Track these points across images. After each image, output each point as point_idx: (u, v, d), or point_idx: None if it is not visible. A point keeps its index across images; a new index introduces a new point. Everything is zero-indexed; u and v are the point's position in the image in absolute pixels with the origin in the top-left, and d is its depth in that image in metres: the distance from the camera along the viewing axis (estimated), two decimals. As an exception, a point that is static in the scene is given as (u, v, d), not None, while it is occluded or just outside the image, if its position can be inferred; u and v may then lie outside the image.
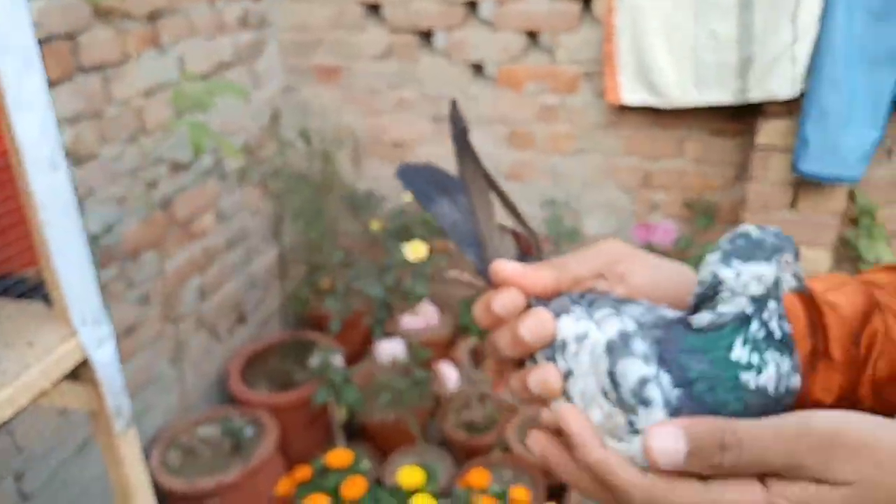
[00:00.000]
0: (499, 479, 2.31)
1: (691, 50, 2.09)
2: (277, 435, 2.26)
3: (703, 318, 0.40)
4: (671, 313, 0.43)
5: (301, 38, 2.61)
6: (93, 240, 1.87)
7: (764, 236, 0.39)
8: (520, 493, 2.00)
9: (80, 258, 0.88)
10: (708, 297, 0.40)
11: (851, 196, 2.20)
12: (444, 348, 2.66)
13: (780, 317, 0.39)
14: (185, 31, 2.12)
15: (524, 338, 0.43)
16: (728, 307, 0.39)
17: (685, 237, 2.38)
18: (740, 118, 2.19)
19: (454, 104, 0.51)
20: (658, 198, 2.43)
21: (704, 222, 2.33)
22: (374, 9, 2.49)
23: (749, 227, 0.40)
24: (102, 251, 1.91)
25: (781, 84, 1.97)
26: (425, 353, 2.36)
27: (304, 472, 2.18)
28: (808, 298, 0.52)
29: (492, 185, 0.51)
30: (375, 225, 2.50)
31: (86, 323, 0.90)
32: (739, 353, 0.38)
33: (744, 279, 0.38)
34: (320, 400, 2.24)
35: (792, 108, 2.02)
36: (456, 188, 0.52)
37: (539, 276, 0.46)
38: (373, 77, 2.59)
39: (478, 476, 2.08)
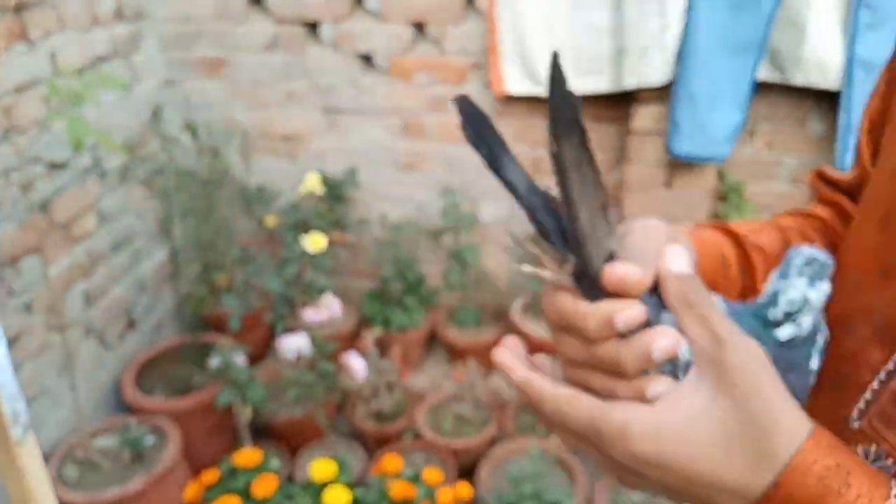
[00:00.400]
0: (411, 464, 2.34)
1: (570, 40, 2.20)
2: (180, 441, 2.18)
3: (786, 332, 0.50)
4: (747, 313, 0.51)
5: (182, 29, 2.51)
6: (-37, 247, 1.73)
7: (826, 259, 0.50)
8: (432, 474, 2.04)
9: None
10: (792, 315, 0.50)
11: (721, 175, 2.39)
12: (350, 340, 2.65)
13: (825, 323, 0.52)
14: (56, 24, 1.99)
15: (656, 358, 0.41)
16: (806, 319, 0.50)
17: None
18: (617, 105, 2.33)
19: (464, 99, 0.44)
20: (547, 182, 2.53)
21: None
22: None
23: (815, 252, 0.50)
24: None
25: (653, 71, 2.12)
26: (330, 345, 2.35)
27: (211, 475, 2.12)
28: (737, 242, 0.61)
29: (594, 168, 0.42)
30: (271, 221, 2.45)
31: (-28, 327, 0.84)
32: (815, 362, 0.51)
33: (821, 297, 0.49)
34: (223, 401, 2.18)
35: (664, 93, 2.17)
36: (506, 153, 0.44)
37: (646, 279, 0.42)
38: (259, 69, 2.53)
39: (390, 462, 2.10)
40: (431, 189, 2.59)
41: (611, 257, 0.42)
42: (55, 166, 2.01)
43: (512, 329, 2.56)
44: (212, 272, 2.30)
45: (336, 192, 2.53)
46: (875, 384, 0.50)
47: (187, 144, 2.40)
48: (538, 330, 2.52)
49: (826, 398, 0.55)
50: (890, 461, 0.48)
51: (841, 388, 0.53)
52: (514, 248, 2.66)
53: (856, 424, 0.51)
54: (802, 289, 0.48)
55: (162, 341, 2.59)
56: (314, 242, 1.91)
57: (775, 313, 0.49)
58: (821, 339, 0.50)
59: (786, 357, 0.48)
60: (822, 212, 0.69)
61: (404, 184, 2.62)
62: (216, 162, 2.41)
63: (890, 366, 0.49)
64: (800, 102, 2.23)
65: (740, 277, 0.61)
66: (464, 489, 2.00)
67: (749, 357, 0.39)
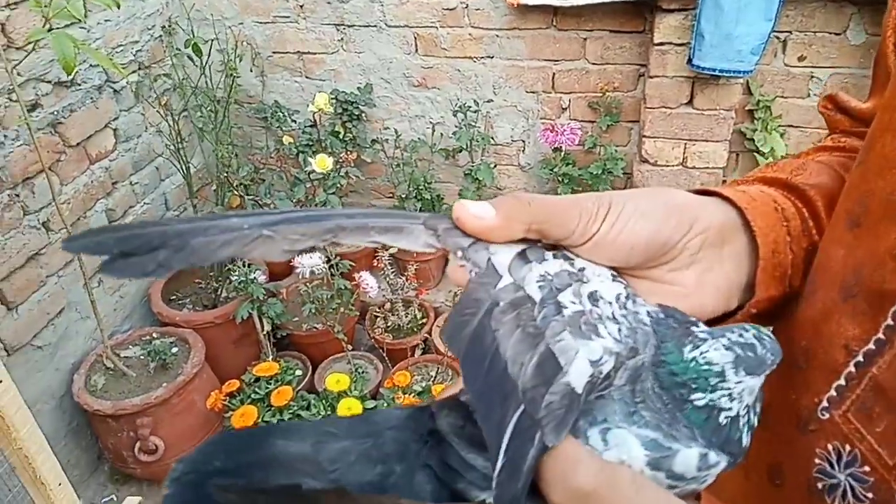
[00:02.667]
0: (425, 377, 2.30)
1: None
2: (204, 352, 2.17)
3: (699, 398, 0.34)
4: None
5: (191, -59, 2.32)
6: (-29, 166, 1.66)
7: (765, 352, 0.34)
8: (440, 388, 1.99)
9: None
10: (706, 385, 0.34)
11: (747, 89, 2.16)
12: (367, 259, 2.58)
13: (749, 426, 0.36)
14: (53, -67, 1.84)
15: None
16: (722, 403, 0.34)
17: (591, 137, 2.32)
18: (638, 14, 2.09)
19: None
20: (565, 100, 2.34)
21: (608, 122, 2.27)
22: None
23: (756, 338, 0.34)
24: (-14, 178, 1.71)
25: (678, -23, 1.87)
26: (345, 264, 2.28)
27: (232, 384, 2.12)
28: (789, 189, 0.46)
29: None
30: (287, 139, 2.33)
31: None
32: (745, 440, 0.35)
33: (742, 389, 0.33)
34: (241, 315, 2.15)
35: (687, 2, 1.92)
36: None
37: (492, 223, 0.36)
38: (270, -19, 2.35)
39: (401, 377, 2.06)
40: (445, 107, 2.42)
41: None
42: (62, 85, 1.91)
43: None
44: (226, 191, 2.21)
45: (350, 110, 2.38)
46: (851, 367, 0.37)
47: (200, 62, 2.26)
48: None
49: (784, 379, 0.42)
50: (866, 468, 0.36)
51: (802, 366, 0.41)
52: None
53: (825, 415, 0.39)
54: (724, 359, 0.33)
55: (188, 257, 2.56)
56: (320, 163, 1.79)
57: (681, 367, 0.34)
58: (753, 418, 0.35)
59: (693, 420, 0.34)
60: (857, 143, 0.51)
61: (419, 102, 2.45)
62: (231, 79, 2.27)
63: (871, 346, 0.36)
64: (839, 10, 1.96)
65: (804, 229, 0.45)
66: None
67: (572, 500, 0.30)
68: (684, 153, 2.18)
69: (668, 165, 2.22)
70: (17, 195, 1.82)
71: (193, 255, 0.32)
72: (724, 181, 2.31)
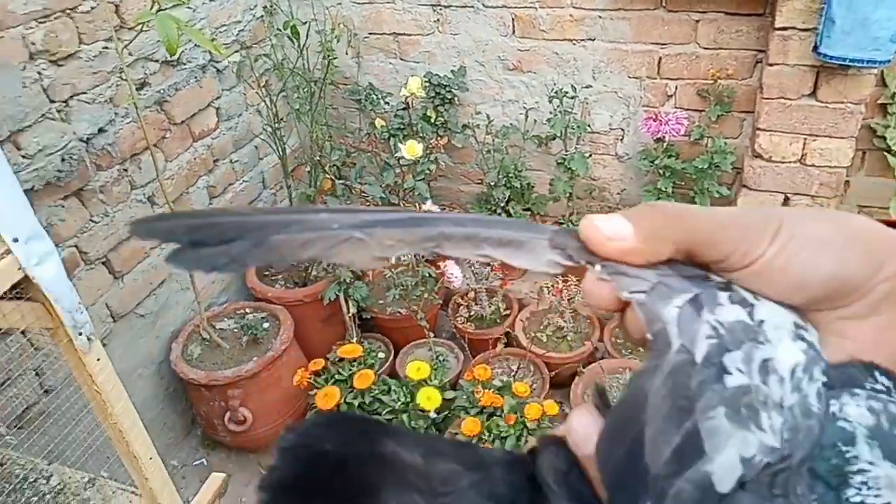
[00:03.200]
0: (505, 371, 2.26)
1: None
2: (293, 329, 2.21)
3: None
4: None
5: (295, -78, 2.33)
6: (84, 142, 1.75)
7: None
8: (522, 387, 1.94)
9: (1, 176, 0.76)
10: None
11: (881, 81, 1.94)
12: (453, 244, 2.54)
13: None
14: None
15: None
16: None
17: (698, 128, 2.16)
18: (761, -4, 1.91)
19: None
20: (671, 87, 2.18)
21: (718, 112, 2.10)
22: None
23: None
24: (97, 153, 1.79)
25: (810, -46, 1.69)
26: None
27: (318, 363, 2.16)
28: None
29: None
30: (379, 122, 2.32)
31: (20, 240, 0.79)
32: None
33: None
34: (329, 296, 2.17)
35: (819, -18, 1.73)
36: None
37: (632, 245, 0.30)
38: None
39: (482, 371, 2.02)
40: (541, 93, 2.32)
41: None
42: (169, 64, 1.97)
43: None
44: (319, 173, 2.23)
45: (442, 94, 2.33)
46: None
47: (299, 42, 2.28)
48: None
49: None
50: None
51: None
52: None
53: None
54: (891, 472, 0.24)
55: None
56: (410, 150, 1.75)
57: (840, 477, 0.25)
58: None
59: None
60: None
61: (513, 86, 2.37)
62: (328, 60, 2.27)
63: None
64: None
65: None
66: (551, 407, 1.88)
67: None
68: (803, 149, 1.99)
69: (783, 162, 2.03)
70: (126, 170, 1.91)
71: (271, 253, 0.28)
72: (846, 182, 2.10)
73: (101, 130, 1.79)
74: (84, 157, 1.76)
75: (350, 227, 0.29)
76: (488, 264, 2.38)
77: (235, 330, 2.24)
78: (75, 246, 1.79)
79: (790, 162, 2.03)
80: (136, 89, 1.84)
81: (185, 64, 2.04)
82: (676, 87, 2.18)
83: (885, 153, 1.99)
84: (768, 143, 2.01)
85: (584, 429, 0.28)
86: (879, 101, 1.97)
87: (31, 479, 1.20)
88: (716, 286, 0.29)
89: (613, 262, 0.29)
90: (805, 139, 1.97)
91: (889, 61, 1.74)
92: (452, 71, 2.37)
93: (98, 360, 0.94)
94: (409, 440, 0.31)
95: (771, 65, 1.90)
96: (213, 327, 2.19)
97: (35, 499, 1.18)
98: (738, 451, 0.25)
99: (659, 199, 2.23)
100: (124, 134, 1.87)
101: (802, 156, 2.01)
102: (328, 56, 2.21)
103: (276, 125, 2.21)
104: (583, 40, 2.19)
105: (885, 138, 1.97)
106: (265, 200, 2.57)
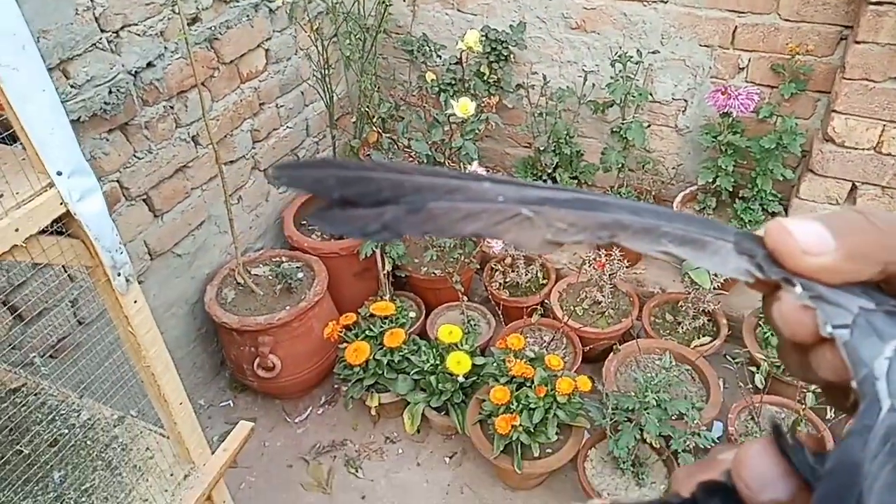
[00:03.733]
0: (539, 342, 2.21)
1: None
2: (327, 280, 2.19)
3: None
4: None
5: None
6: (133, 75, 1.71)
7: None
8: (554, 360, 1.90)
9: (48, 105, 0.72)
10: None
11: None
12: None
13: None
14: None
15: None
16: None
17: (768, 105, 2.03)
18: (858, -35, 1.76)
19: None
20: (743, 59, 2.05)
21: (793, 90, 1.97)
22: None
23: None
24: (145, 87, 1.76)
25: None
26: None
27: (349, 318, 2.14)
28: None
29: None
30: (430, 76, 2.24)
31: (64, 174, 0.76)
32: None
33: None
34: (366, 252, 2.14)
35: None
36: None
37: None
38: None
39: (515, 340, 1.98)
40: (603, 55, 2.21)
41: None
42: (221, 0, 1.91)
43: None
44: (365, 124, 2.17)
45: (498, 49, 2.23)
46: None
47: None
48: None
49: None
50: None
51: None
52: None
53: None
54: None
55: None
56: (462, 108, 1.68)
57: None
58: None
59: None
60: None
61: (574, 46, 2.26)
62: (382, 6, 2.19)
63: None
64: None
65: None
66: (584, 382, 1.84)
67: None
68: (880, 136, 1.86)
69: (856, 148, 1.90)
70: (172, 107, 1.88)
71: (430, 223, 0.25)
72: (925, 174, 1.96)
73: (149, 64, 1.75)
74: (132, 90, 1.73)
75: (518, 202, 0.25)
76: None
77: (270, 277, 2.23)
78: (117, 181, 1.77)
79: (863, 149, 1.90)
80: (188, 24, 1.79)
81: (237, 1, 1.98)
82: (749, 60, 2.04)
83: (973, 148, 1.85)
84: (843, 127, 1.88)
85: (763, 471, 0.23)
86: (973, 91, 1.82)
87: (63, 412, 1.21)
88: None
89: (806, 278, 0.24)
90: (884, 126, 1.84)
91: None
92: (511, 26, 2.27)
93: (135, 301, 0.92)
94: None
95: (858, 42, 1.75)
96: (248, 272, 2.18)
97: (66, 431, 1.19)
98: None
99: (717, 177, 2.12)
100: (173, 70, 1.83)
101: (878, 143, 1.88)
102: (384, 2, 2.12)
103: (326, 71, 2.14)
104: (654, 2, 2.06)
105: (975, 132, 1.82)
106: (307, 149, 2.53)
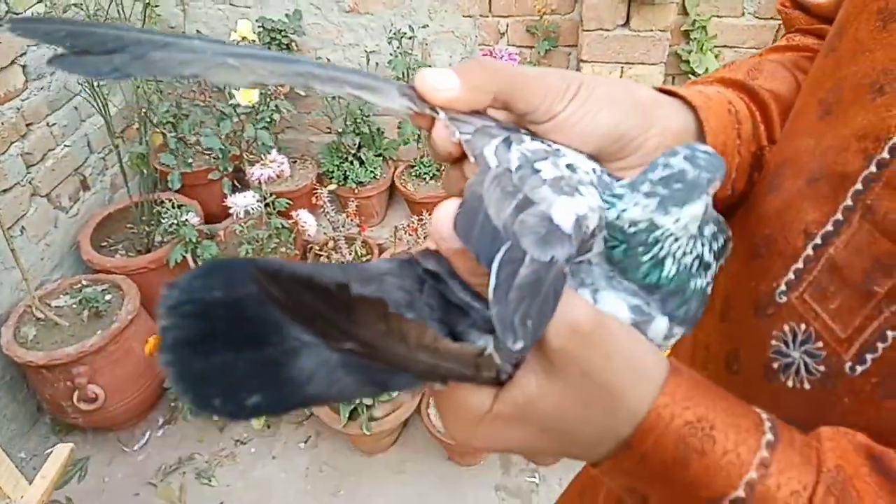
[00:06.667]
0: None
1: None
2: (139, 298, 2.10)
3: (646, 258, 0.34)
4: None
5: None
6: None
7: (698, 172, 0.33)
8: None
9: None
10: (643, 239, 0.33)
11: (683, 9, 2.14)
12: (307, 197, 2.51)
13: (713, 236, 0.36)
14: None
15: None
16: (667, 249, 0.34)
17: (529, 63, 2.27)
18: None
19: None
20: (502, 24, 2.27)
21: (546, 47, 2.22)
22: None
23: (682, 161, 0.33)
24: None
25: None
26: (282, 202, 2.21)
27: (171, 330, 2.07)
28: (744, 91, 0.47)
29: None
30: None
31: None
32: (701, 283, 0.36)
33: (682, 224, 0.33)
34: (175, 259, 2.08)
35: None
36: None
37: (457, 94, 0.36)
38: None
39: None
40: (381, 34, 2.33)
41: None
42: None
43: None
44: (147, 129, 2.10)
45: (278, 39, 2.26)
46: (808, 250, 0.38)
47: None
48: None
49: (745, 269, 0.43)
50: (819, 344, 0.37)
51: (763, 255, 0.41)
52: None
53: (783, 298, 0.40)
54: (645, 212, 0.33)
55: (118, 201, 2.45)
56: (244, 95, 1.70)
57: (618, 226, 0.34)
58: (704, 249, 0.35)
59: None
60: (811, 41, 0.53)
61: (352, 29, 2.35)
62: (145, 7, 2.12)
63: (829, 227, 0.37)
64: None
65: (754, 133, 0.45)
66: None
67: (571, 336, 0.31)
68: (621, 77, 2.16)
69: (606, 90, 2.20)
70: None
71: (152, 67, 0.31)
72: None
73: None
74: None
75: (224, 55, 0.32)
76: (344, 211, 2.39)
77: (74, 305, 2.09)
78: None
79: (613, 90, 2.20)
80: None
81: (-27, 14, 1.82)
82: (507, 25, 2.27)
83: (690, 76, 2.22)
84: (591, 74, 2.17)
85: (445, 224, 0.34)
86: (683, 29, 2.17)
87: None
88: (524, 133, 0.36)
89: (445, 110, 0.35)
90: (622, 68, 2.14)
91: (686, -10, 1.93)
92: (287, 15, 2.31)
93: None
94: (296, 269, 0.32)
95: (588, -2, 2.03)
96: (47, 305, 2.02)
97: None
98: (572, 210, 0.32)
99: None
100: None
101: (623, 84, 2.19)
102: (148, 4, 2.06)
103: (95, 82, 2.04)
104: (415, -21, 2.21)
105: (688, 62, 2.19)
106: (93, 166, 2.38)
